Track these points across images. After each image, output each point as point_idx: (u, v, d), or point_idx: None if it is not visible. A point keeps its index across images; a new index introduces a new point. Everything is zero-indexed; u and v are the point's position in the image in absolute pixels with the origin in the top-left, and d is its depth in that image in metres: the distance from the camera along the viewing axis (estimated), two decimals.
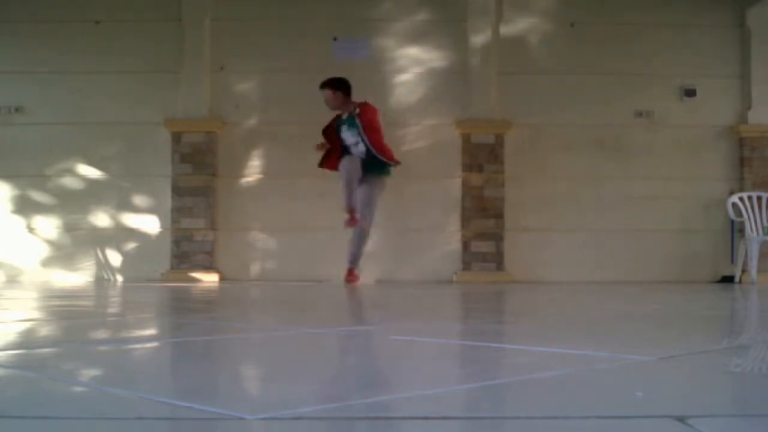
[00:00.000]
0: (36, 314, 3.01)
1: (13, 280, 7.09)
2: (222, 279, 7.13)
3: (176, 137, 7.19)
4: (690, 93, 7.33)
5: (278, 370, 1.49)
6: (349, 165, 6.00)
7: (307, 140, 7.30)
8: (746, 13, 7.36)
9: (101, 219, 7.27)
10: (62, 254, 7.27)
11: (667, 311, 3.28)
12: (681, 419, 0.95)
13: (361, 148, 6.10)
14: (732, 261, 7.23)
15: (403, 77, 7.37)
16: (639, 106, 7.35)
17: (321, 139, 6.27)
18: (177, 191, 7.17)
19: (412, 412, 1.05)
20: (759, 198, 7.10)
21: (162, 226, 7.25)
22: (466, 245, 7.19)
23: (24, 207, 7.28)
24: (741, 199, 7.09)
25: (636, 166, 7.32)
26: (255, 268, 7.27)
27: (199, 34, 7.29)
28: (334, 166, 6.18)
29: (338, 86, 6.24)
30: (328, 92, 6.24)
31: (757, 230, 6.98)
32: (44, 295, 4.44)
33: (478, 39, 7.32)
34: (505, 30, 7.40)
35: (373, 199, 6.13)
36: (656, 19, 7.42)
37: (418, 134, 7.28)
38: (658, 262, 7.26)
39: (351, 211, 5.94)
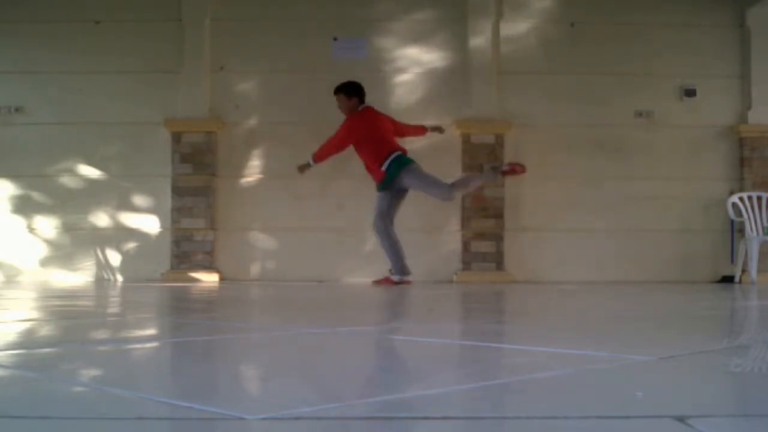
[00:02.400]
0: (36, 314, 3.01)
1: (12, 280, 7.09)
2: (222, 279, 7.13)
3: (176, 137, 7.19)
4: (690, 93, 7.33)
5: (278, 370, 1.49)
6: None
7: (307, 140, 7.31)
8: (746, 13, 7.36)
9: (101, 219, 7.27)
10: (62, 254, 7.27)
11: (667, 311, 3.28)
12: (681, 419, 0.95)
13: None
14: (732, 261, 7.23)
15: (403, 77, 7.37)
16: (639, 106, 7.35)
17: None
18: (177, 191, 7.17)
19: (412, 412, 1.05)
20: (759, 198, 7.10)
21: (162, 226, 7.25)
22: (466, 245, 7.19)
23: (24, 207, 7.28)
24: (741, 199, 7.09)
25: (636, 166, 7.32)
26: (255, 268, 7.27)
27: (199, 34, 7.29)
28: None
29: (351, 92, 6.18)
30: (341, 98, 6.19)
31: (757, 230, 6.98)
32: (44, 295, 4.43)
33: (478, 39, 7.32)
34: (505, 30, 7.41)
35: (376, 207, 6.21)
36: (656, 19, 7.42)
37: None
38: (658, 262, 7.26)
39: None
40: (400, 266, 6.10)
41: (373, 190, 6.32)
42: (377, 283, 6.19)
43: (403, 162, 6.06)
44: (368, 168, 6.17)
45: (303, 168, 6.40)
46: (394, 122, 6.40)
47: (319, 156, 6.29)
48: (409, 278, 6.13)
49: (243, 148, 7.31)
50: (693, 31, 7.44)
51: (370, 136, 6.09)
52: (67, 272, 7.25)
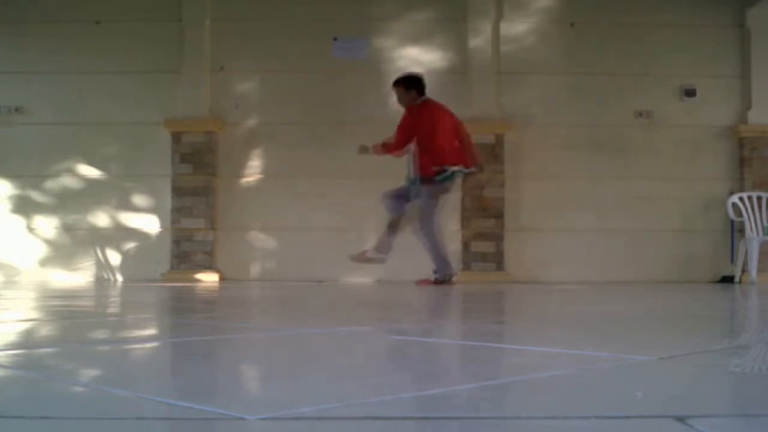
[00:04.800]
0: (36, 314, 3.01)
1: (12, 280, 7.08)
2: (222, 279, 7.13)
3: (176, 137, 7.19)
4: (690, 93, 7.33)
5: (278, 370, 1.49)
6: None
7: (307, 140, 7.31)
8: (746, 13, 7.37)
9: (101, 219, 7.28)
10: (62, 254, 7.27)
11: (667, 311, 3.28)
12: (681, 419, 0.95)
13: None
14: (732, 261, 7.23)
15: None
16: (639, 106, 7.35)
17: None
18: (177, 191, 7.17)
19: (412, 412, 1.05)
20: (759, 198, 7.11)
21: (162, 226, 7.25)
22: (466, 245, 7.18)
23: (24, 207, 7.28)
24: (741, 199, 7.09)
25: (636, 166, 7.32)
26: (255, 268, 7.27)
27: (199, 34, 7.29)
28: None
29: (410, 84, 5.93)
30: (400, 90, 5.93)
31: (757, 230, 6.97)
32: (44, 295, 4.43)
33: (478, 39, 7.32)
34: (505, 30, 7.41)
35: (421, 207, 5.88)
36: (656, 19, 7.42)
37: None
38: (658, 262, 7.26)
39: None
40: (443, 264, 5.90)
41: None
42: (423, 282, 6.00)
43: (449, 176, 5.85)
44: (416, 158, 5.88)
45: (364, 150, 6.07)
46: (456, 123, 6.07)
47: (387, 150, 5.94)
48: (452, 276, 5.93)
49: (243, 148, 7.32)
50: (693, 31, 7.44)
51: (428, 130, 5.82)
52: (67, 272, 7.25)
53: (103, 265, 7.29)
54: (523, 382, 1.30)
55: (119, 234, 7.28)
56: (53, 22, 7.34)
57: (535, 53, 7.41)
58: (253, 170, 7.34)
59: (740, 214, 7.04)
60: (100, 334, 2.20)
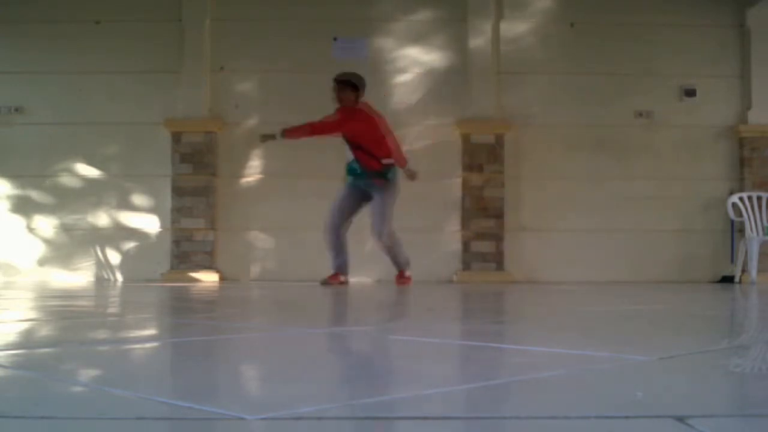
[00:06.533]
0: (35, 314, 3.01)
1: (12, 280, 7.08)
2: (222, 279, 7.13)
3: (176, 137, 7.19)
4: (690, 93, 7.33)
5: (278, 370, 1.49)
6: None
7: (307, 140, 7.30)
8: (746, 13, 7.37)
9: (101, 219, 7.28)
10: (62, 254, 7.27)
11: (667, 311, 3.28)
12: (681, 419, 0.95)
13: (349, 155, 5.89)
14: (732, 261, 7.23)
15: (403, 77, 7.37)
16: (639, 106, 7.35)
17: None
18: (177, 191, 7.17)
19: (412, 412, 1.05)
20: (759, 198, 7.11)
21: (162, 226, 7.25)
22: (466, 245, 7.19)
23: (24, 207, 7.28)
24: (741, 199, 7.09)
25: (636, 166, 7.32)
26: (255, 268, 7.27)
27: (199, 34, 7.29)
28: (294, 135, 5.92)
29: (359, 87, 5.83)
30: (346, 90, 5.82)
31: (757, 230, 6.97)
32: (44, 295, 4.43)
33: (478, 39, 7.32)
34: (505, 30, 7.41)
35: (381, 209, 5.85)
36: (656, 19, 7.42)
37: (419, 134, 7.28)
38: (658, 262, 7.26)
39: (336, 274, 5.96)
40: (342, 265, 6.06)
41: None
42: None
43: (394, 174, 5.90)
44: (361, 158, 5.83)
45: (266, 138, 5.97)
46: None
47: (296, 134, 5.92)
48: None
49: (243, 148, 7.31)
50: (693, 31, 7.44)
51: (373, 132, 5.81)
52: (67, 272, 7.25)
53: (103, 265, 7.29)
54: (523, 382, 1.30)
55: (119, 234, 7.28)
56: (53, 22, 7.34)
57: (535, 53, 7.41)
58: (253, 170, 7.34)
59: (740, 214, 7.04)
60: (100, 334, 2.20)
